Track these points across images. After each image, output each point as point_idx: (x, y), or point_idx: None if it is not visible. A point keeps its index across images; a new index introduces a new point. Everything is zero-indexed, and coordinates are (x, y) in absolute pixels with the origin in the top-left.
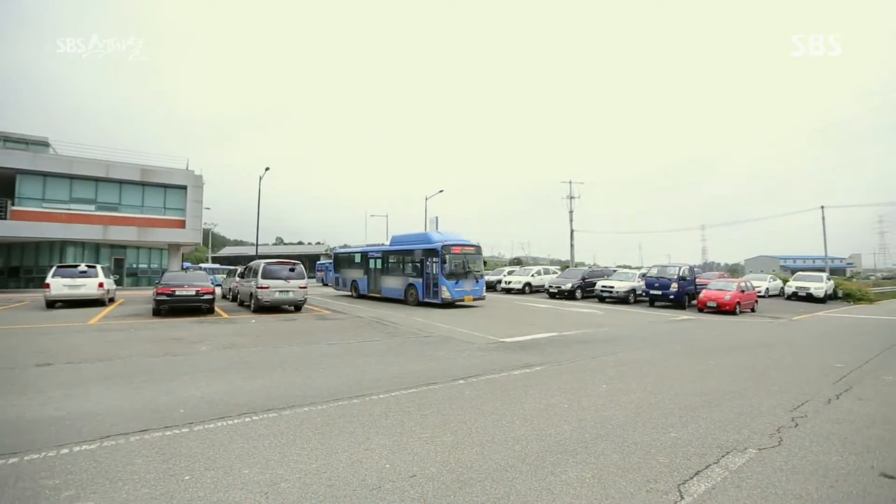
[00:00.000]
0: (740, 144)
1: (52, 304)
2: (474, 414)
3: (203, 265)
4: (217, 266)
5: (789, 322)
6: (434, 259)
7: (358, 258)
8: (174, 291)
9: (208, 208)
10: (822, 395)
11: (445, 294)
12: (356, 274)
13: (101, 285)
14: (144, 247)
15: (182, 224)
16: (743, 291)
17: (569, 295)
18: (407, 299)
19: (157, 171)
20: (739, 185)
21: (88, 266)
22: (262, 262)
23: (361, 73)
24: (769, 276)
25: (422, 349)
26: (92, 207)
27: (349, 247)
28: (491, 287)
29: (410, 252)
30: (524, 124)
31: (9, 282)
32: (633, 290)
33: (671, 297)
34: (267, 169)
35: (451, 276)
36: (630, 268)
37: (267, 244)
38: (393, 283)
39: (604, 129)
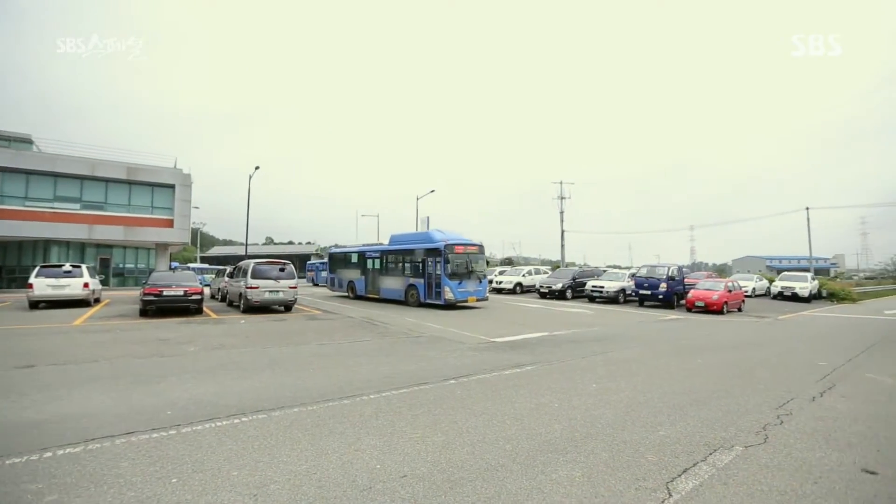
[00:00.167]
0: (733, 145)
1: (35, 304)
2: (465, 414)
3: (191, 265)
4: (206, 266)
5: (775, 321)
6: (436, 259)
7: (355, 258)
8: (162, 292)
9: (197, 207)
10: (806, 393)
11: (448, 295)
12: (353, 274)
13: (86, 285)
14: (131, 246)
15: (170, 223)
16: (730, 291)
17: (559, 295)
18: (408, 300)
19: (145, 169)
20: (729, 185)
21: (73, 266)
22: (252, 261)
23: (354, 72)
24: (756, 276)
25: (413, 349)
26: (77, 206)
27: (344, 246)
28: None
29: (411, 252)
30: (516, 125)
31: None
32: (623, 290)
33: (660, 296)
34: (257, 168)
35: (453, 276)
36: (620, 268)
37: (257, 244)
38: (392, 284)
39: (596, 130)
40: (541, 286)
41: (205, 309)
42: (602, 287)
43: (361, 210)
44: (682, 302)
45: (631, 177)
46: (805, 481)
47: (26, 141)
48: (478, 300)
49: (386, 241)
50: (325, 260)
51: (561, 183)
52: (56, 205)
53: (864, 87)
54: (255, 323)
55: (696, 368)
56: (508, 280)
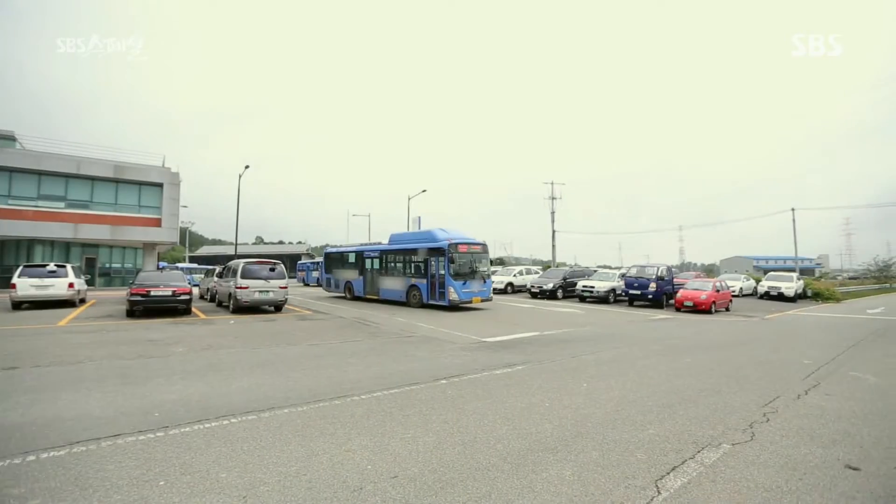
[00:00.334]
0: (723, 146)
1: (18, 305)
2: (456, 414)
3: (180, 265)
4: (194, 266)
5: (762, 321)
6: (440, 258)
7: (353, 258)
8: (149, 292)
9: (185, 206)
10: (791, 391)
11: (453, 295)
12: (350, 275)
13: (71, 285)
14: (118, 246)
15: (158, 222)
16: (718, 291)
17: (550, 295)
18: (409, 301)
19: (132, 167)
20: (718, 186)
21: (58, 265)
22: (242, 261)
23: (346, 72)
24: (743, 276)
25: (404, 349)
26: (62, 205)
27: (338, 246)
28: None
29: (413, 251)
30: (507, 125)
31: None
32: (613, 290)
33: (650, 296)
34: (247, 167)
35: (457, 276)
36: (610, 268)
37: (246, 243)
38: (393, 285)
39: (588, 130)
40: (532, 286)
41: (193, 309)
42: (592, 287)
43: (352, 210)
44: (672, 302)
45: (621, 177)
46: (790, 477)
47: (9, 138)
48: (482, 300)
49: (379, 241)
50: (316, 260)
51: (552, 183)
52: (40, 203)
53: (849, 91)
54: (244, 323)
55: (685, 367)
56: (500, 280)
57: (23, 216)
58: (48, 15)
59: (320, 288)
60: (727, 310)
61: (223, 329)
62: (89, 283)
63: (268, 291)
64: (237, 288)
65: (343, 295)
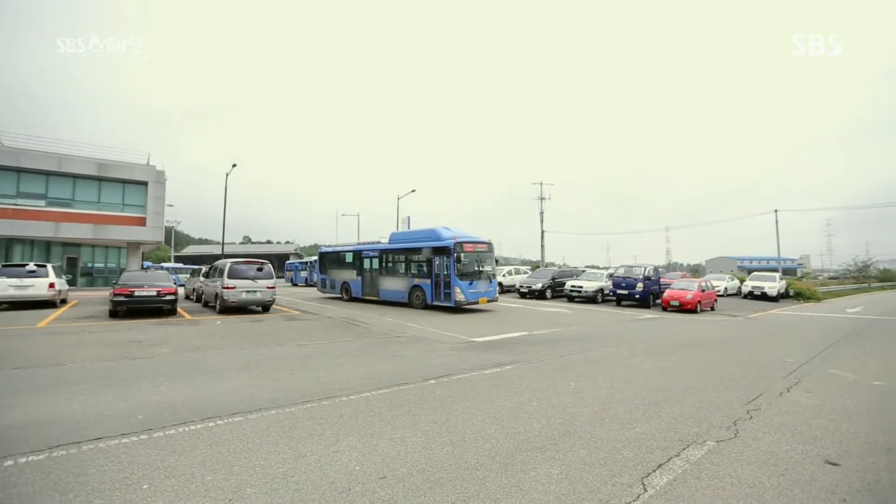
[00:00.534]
0: (711, 148)
1: None
2: (445, 414)
3: (165, 264)
4: (180, 265)
5: (746, 320)
6: (445, 258)
7: (350, 257)
8: (133, 292)
9: (171, 205)
10: (774, 388)
11: (459, 296)
12: (348, 275)
13: (51, 286)
14: (101, 245)
15: (142, 221)
16: (703, 291)
17: (539, 294)
18: (412, 302)
19: (116, 165)
20: (705, 187)
21: (38, 265)
22: (229, 261)
23: (335, 72)
24: (728, 275)
25: (393, 349)
26: (42, 203)
27: (334, 245)
28: None
29: (416, 250)
30: (497, 126)
31: None
32: (601, 290)
33: (637, 296)
34: (234, 165)
35: (463, 276)
36: (598, 268)
37: (234, 243)
38: (394, 285)
39: (577, 131)
40: (521, 286)
41: (179, 310)
42: (581, 287)
43: (341, 210)
44: (658, 301)
45: (611, 178)
46: (773, 473)
47: None
48: (488, 301)
49: (378, 240)
50: (305, 260)
51: (541, 184)
52: (20, 201)
53: (833, 96)
54: (231, 324)
55: (671, 366)
56: None
57: (1, 214)
58: (48, 15)
59: (311, 288)
60: (712, 309)
61: (209, 330)
62: (71, 283)
63: (255, 291)
64: (224, 288)
65: (339, 296)
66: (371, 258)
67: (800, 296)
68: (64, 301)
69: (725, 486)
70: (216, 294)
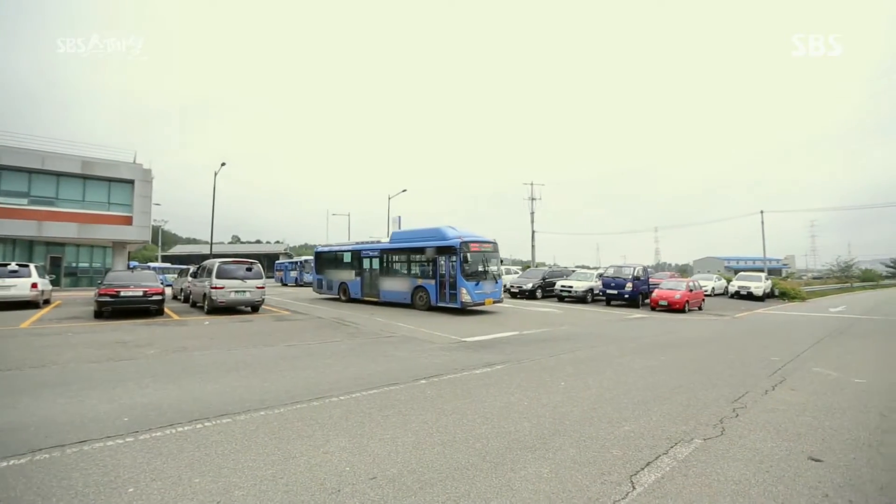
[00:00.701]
0: (699, 150)
1: None
2: (435, 414)
3: (152, 264)
4: (167, 265)
5: (732, 319)
6: (451, 258)
7: (348, 257)
8: (119, 292)
9: (158, 204)
10: (759, 386)
11: (465, 297)
12: (346, 275)
13: (34, 286)
14: (85, 244)
15: (128, 220)
16: (691, 291)
17: (529, 294)
18: (415, 303)
19: (101, 163)
20: (692, 188)
21: (20, 265)
22: (217, 261)
23: (326, 71)
24: (715, 275)
25: (383, 350)
26: (24, 201)
27: (330, 245)
28: None
29: (420, 250)
30: (487, 126)
31: None
32: (591, 290)
33: (626, 296)
34: (223, 164)
35: (469, 276)
36: (588, 268)
37: (222, 242)
38: (396, 286)
39: (567, 133)
40: (511, 286)
41: (166, 310)
42: (571, 287)
43: (332, 209)
44: (647, 301)
45: (602, 178)
46: (758, 470)
47: None
48: (494, 302)
49: (378, 239)
50: (295, 260)
51: (532, 184)
52: (1, 199)
53: (822, 100)
54: (219, 324)
55: (660, 365)
56: None
57: None
58: (48, 15)
59: (301, 288)
60: (700, 309)
61: (197, 330)
62: (54, 283)
63: (244, 292)
64: (212, 288)
65: (336, 297)
66: (371, 258)
67: (785, 295)
68: (47, 301)
69: (712, 483)
70: (204, 294)
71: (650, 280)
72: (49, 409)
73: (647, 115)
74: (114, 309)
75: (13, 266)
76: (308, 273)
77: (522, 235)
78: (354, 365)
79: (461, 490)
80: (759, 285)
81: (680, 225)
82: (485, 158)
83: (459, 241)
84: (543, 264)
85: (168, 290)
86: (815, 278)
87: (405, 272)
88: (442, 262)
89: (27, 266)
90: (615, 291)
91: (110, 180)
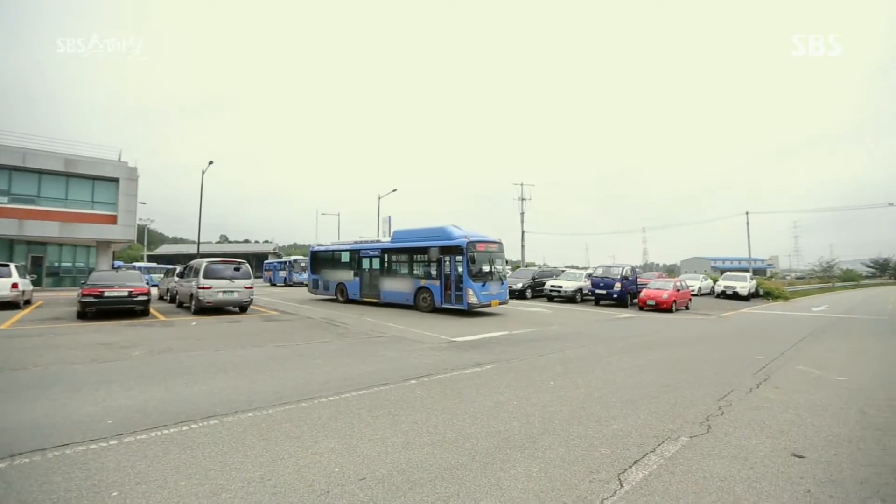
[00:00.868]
0: (687, 151)
1: None
2: (425, 414)
3: (137, 264)
4: (153, 265)
5: (718, 319)
6: (456, 258)
7: (346, 257)
8: (103, 292)
9: (144, 203)
10: (744, 385)
11: (472, 298)
12: (344, 275)
13: (14, 286)
14: (68, 244)
15: (113, 219)
16: (678, 290)
17: (519, 294)
18: (418, 305)
19: (85, 161)
20: (680, 189)
21: (0, 264)
22: (205, 260)
23: (315, 70)
24: (702, 276)
25: (373, 350)
26: (4, 199)
27: (326, 244)
28: None
29: (423, 250)
30: (478, 127)
31: None
32: (580, 290)
33: (615, 296)
34: (210, 163)
35: (476, 277)
36: (577, 268)
37: (210, 242)
38: (398, 286)
39: (557, 133)
40: None
41: (152, 310)
42: (560, 287)
43: (321, 209)
44: (635, 301)
45: (591, 179)
46: (743, 467)
47: None
48: (500, 303)
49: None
50: (284, 259)
51: (521, 185)
52: None
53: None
54: (206, 325)
55: (647, 364)
56: None
57: None
58: (48, 15)
59: (290, 288)
60: (687, 308)
61: (184, 331)
62: (36, 283)
63: (232, 292)
64: (199, 288)
65: (333, 297)
66: (371, 258)
67: (769, 295)
68: (28, 302)
69: (698, 479)
70: (191, 294)
71: (638, 280)
72: (30, 412)
73: (644, 115)
74: (98, 309)
75: None
76: (297, 273)
77: (512, 235)
78: (344, 365)
79: (451, 490)
80: (745, 285)
81: (668, 225)
82: (475, 159)
83: (466, 240)
84: (533, 264)
85: (154, 291)
86: (798, 278)
87: (408, 272)
88: (447, 263)
89: (7, 266)
90: (604, 291)
91: (94, 178)
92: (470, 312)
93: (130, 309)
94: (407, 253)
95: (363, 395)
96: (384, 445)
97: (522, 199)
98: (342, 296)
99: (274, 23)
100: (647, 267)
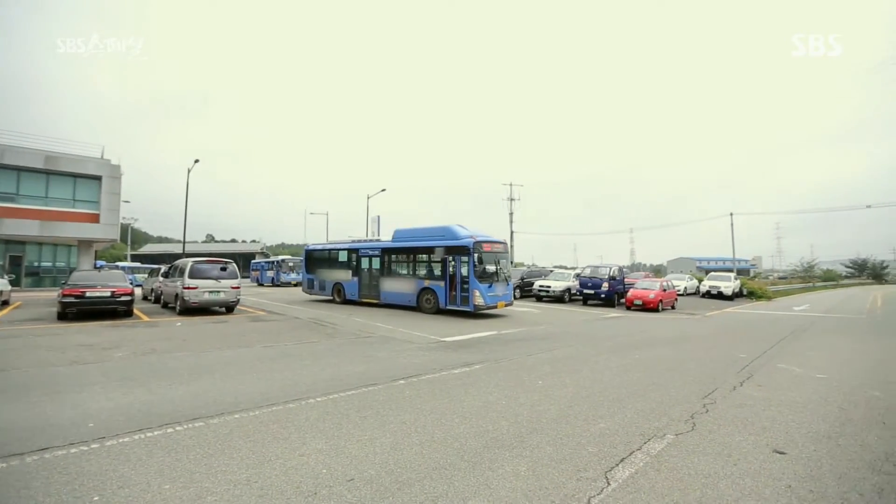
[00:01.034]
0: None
1: None
2: (414, 414)
3: (121, 263)
4: (137, 265)
5: (703, 318)
6: (462, 258)
7: (344, 256)
8: (84, 292)
9: (127, 201)
10: (728, 383)
11: (479, 300)
12: (341, 275)
13: None
14: (49, 243)
15: (95, 218)
16: (665, 290)
17: None
18: (421, 306)
19: (66, 158)
20: (667, 190)
21: None
22: (190, 260)
23: (301, 68)
24: (687, 276)
25: (362, 350)
26: None
27: (319, 243)
28: None
29: (427, 250)
30: (467, 127)
31: None
32: (569, 290)
33: (602, 295)
34: (196, 161)
35: (482, 278)
36: (566, 268)
37: (196, 241)
38: (400, 287)
39: (546, 134)
40: None
41: (136, 311)
42: (549, 287)
43: (309, 209)
44: (623, 300)
45: (578, 180)
46: (726, 463)
47: None
48: (505, 305)
49: (378, 237)
50: (271, 259)
51: (511, 185)
52: None
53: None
54: (192, 325)
55: (634, 363)
56: None
57: None
58: (48, 15)
59: (278, 288)
60: (673, 308)
61: (169, 332)
62: (14, 283)
63: (218, 292)
64: (185, 288)
65: (330, 298)
66: (371, 257)
67: (752, 295)
68: (6, 303)
69: (683, 477)
70: (176, 294)
71: (625, 280)
72: (7, 416)
73: (642, 116)
74: (79, 310)
75: None
76: (285, 273)
77: (501, 235)
78: (332, 366)
79: (439, 490)
80: (729, 285)
81: (656, 226)
82: (464, 159)
83: (472, 240)
84: (522, 264)
85: (138, 291)
86: (780, 278)
87: (410, 273)
88: (452, 263)
89: None
90: (592, 291)
91: (76, 176)
92: (462, 313)
93: (113, 310)
94: (409, 253)
95: (351, 395)
96: (372, 446)
97: (512, 200)
98: (339, 296)
99: (263, 20)
100: (635, 267)
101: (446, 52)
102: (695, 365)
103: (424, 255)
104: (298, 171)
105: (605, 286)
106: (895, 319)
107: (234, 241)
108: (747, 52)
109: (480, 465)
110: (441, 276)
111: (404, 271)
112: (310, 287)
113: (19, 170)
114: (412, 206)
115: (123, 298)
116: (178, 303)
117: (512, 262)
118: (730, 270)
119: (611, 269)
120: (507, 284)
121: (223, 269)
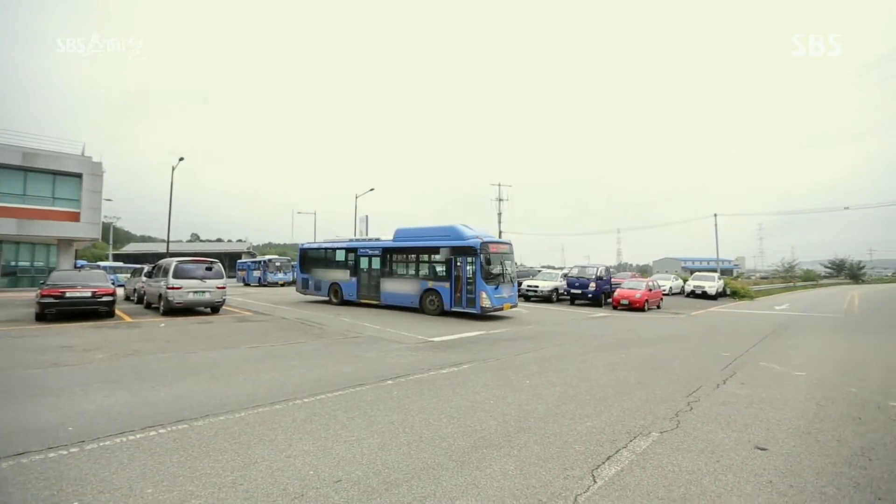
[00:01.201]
0: (662, 155)
1: None
2: (402, 414)
3: (102, 263)
4: (119, 264)
5: (688, 317)
6: (468, 259)
7: (342, 255)
8: (64, 293)
9: (110, 200)
10: (712, 381)
11: (485, 302)
12: (339, 275)
13: None
14: (26, 242)
15: (75, 216)
16: (651, 290)
17: None
18: (424, 308)
19: (45, 155)
20: (652, 191)
21: None
22: (174, 259)
23: (290, 67)
24: (673, 276)
25: (349, 350)
26: None
27: (314, 242)
28: None
29: (432, 250)
30: (455, 128)
31: None
32: (556, 290)
33: (589, 295)
34: (181, 159)
35: (488, 279)
36: (553, 268)
37: (180, 241)
38: (402, 288)
39: (535, 136)
40: None
41: (118, 312)
42: (537, 286)
43: (296, 208)
44: (609, 300)
45: (567, 181)
46: (709, 460)
47: None
48: (511, 307)
49: (377, 237)
50: (258, 259)
51: (499, 185)
52: None
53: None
54: (176, 326)
55: (620, 362)
56: None
57: None
58: (48, 15)
59: (264, 288)
60: (658, 307)
61: (152, 332)
62: None
63: (203, 292)
64: (169, 288)
65: (326, 299)
66: (371, 257)
67: (735, 294)
68: None
69: (668, 473)
70: (160, 295)
71: (612, 280)
72: None
73: (631, 118)
74: (58, 311)
75: None
76: (272, 273)
77: (490, 235)
78: (319, 366)
79: (427, 490)
80: (713, 285)
81: (641, 227)
82: (452, 160)
83: (479, 241)
84: None
85: (120, 291)
86: (762, 278)
87: (413, 273)
88: (458, 264)
89: None
90: (579, 291)
91: (55, 173)
92: (463, 314)
93: (94, 310)
94: (412, 252)
95: (339, 396)
96: (360, 447)
97: (500, 200)
98: (336, 297)
99: (252, 21)
100: (621, 267)
101: (436, 55)
102: (680, 363)
103: (428, 256)
104: (286, 171)
105: (593, 286)
106: (871, 318)
107: (219, 240)
108: (747, 53)
109: (468, 465)
110: (445, 277)
111: (407, 272)
112: (304, 287)
113: None
114: (401, 206)
115: (105, 299)
116: (162, 303)
117: None
118: (714, 270)
119: (598, 269)
120: (513, 286)
121: (208, 268)
